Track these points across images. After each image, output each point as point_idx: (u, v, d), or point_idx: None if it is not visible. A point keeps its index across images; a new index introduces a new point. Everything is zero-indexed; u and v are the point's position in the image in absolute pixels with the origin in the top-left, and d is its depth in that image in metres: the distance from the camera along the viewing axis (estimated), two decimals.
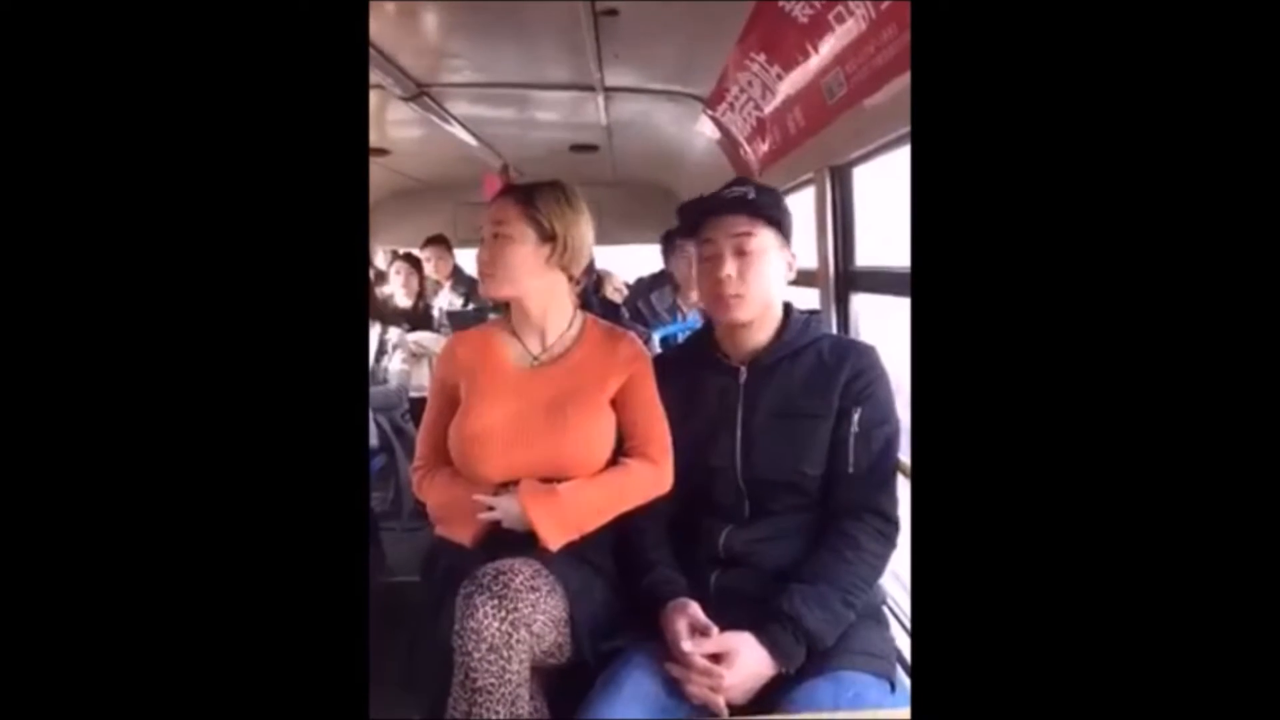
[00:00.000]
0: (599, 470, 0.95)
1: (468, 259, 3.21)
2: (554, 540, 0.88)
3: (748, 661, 0.80)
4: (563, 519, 0.89)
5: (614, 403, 0.97)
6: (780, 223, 0.95)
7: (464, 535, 0.92)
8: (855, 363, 0.93)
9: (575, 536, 0.90)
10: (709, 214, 0.95)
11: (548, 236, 0.96)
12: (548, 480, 0.92)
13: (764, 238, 0.93)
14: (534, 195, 0.97)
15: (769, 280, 0.94)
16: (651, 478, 0.95)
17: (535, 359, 1.00)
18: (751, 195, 0.93)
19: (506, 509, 0.90)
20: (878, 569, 0.90)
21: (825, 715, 0.77)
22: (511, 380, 0.98)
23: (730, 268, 0.92)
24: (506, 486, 0.92)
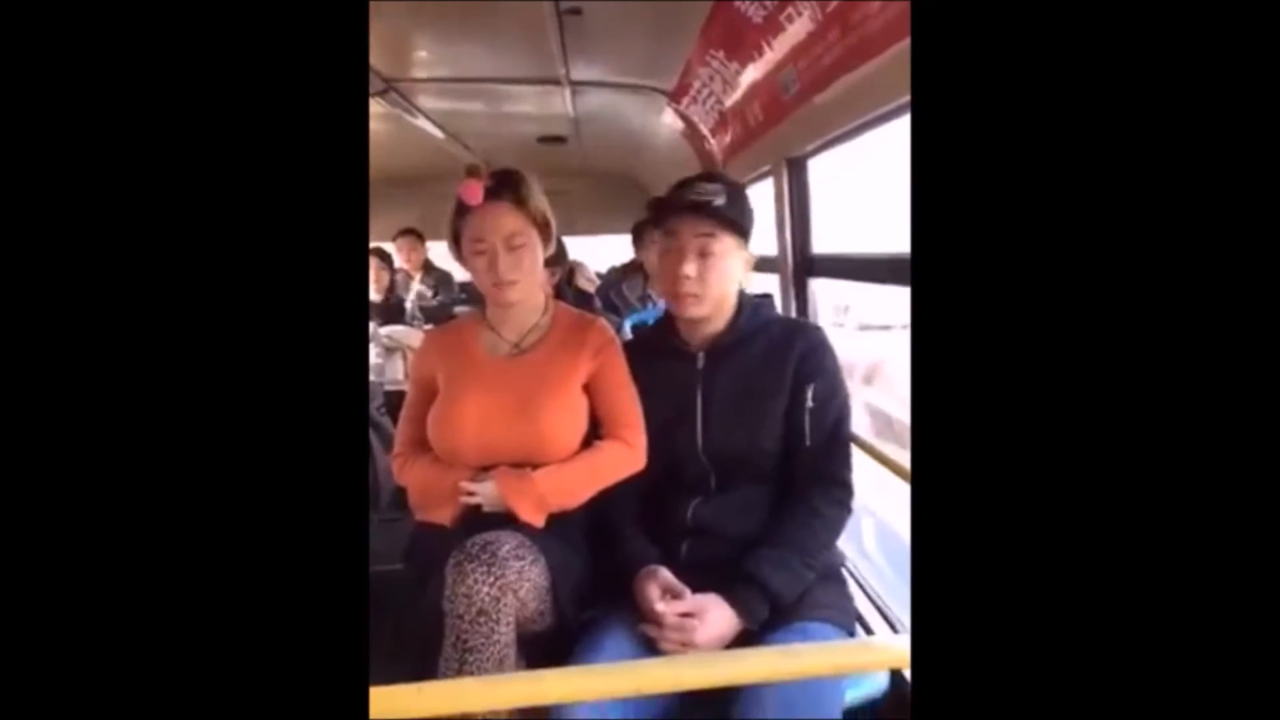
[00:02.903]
0: (572, 453, 1.00)
1: (436, 251, 3.21)
2: (534, 519, 0.94)
3: (716, 619, 0.87)
4: (540, 502, 0.95)
5: (587, 388, 1.02)
6: (743, 227, 1.00)
7: (443, 516, 0.97)
8: (804, 342, 1.00)
9: (554, 511, 0.96)
10: (675, 212, 0.99)
11: (543, 230, 1.01)
12: (523, 464, 0.97)
13: (726, 241, 0.98)
14: (521, 192, 0.98)
15: (727, 280, 1.00)
16: (625, 458, 1.00)
17: (510, 349, 1.05)
18: (719, 201, 0.97)
19: (486, 493, 0.95)
20: (835, 531, 0.98)
21: (831, 644, 0.83)
22: (486, 371, 1.02)
23: (690, 268, 0.97)
24: (484, 470, 0.97)
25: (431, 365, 1.05)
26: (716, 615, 0.87)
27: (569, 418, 1.00)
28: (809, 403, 0.97)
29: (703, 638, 0.86)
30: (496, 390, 0.99)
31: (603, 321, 1.08)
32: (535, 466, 0.97)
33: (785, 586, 0.90)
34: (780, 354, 0.99)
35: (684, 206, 0.98)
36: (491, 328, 1.06)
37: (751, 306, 1.04)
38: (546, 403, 0.98)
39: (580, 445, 1.01)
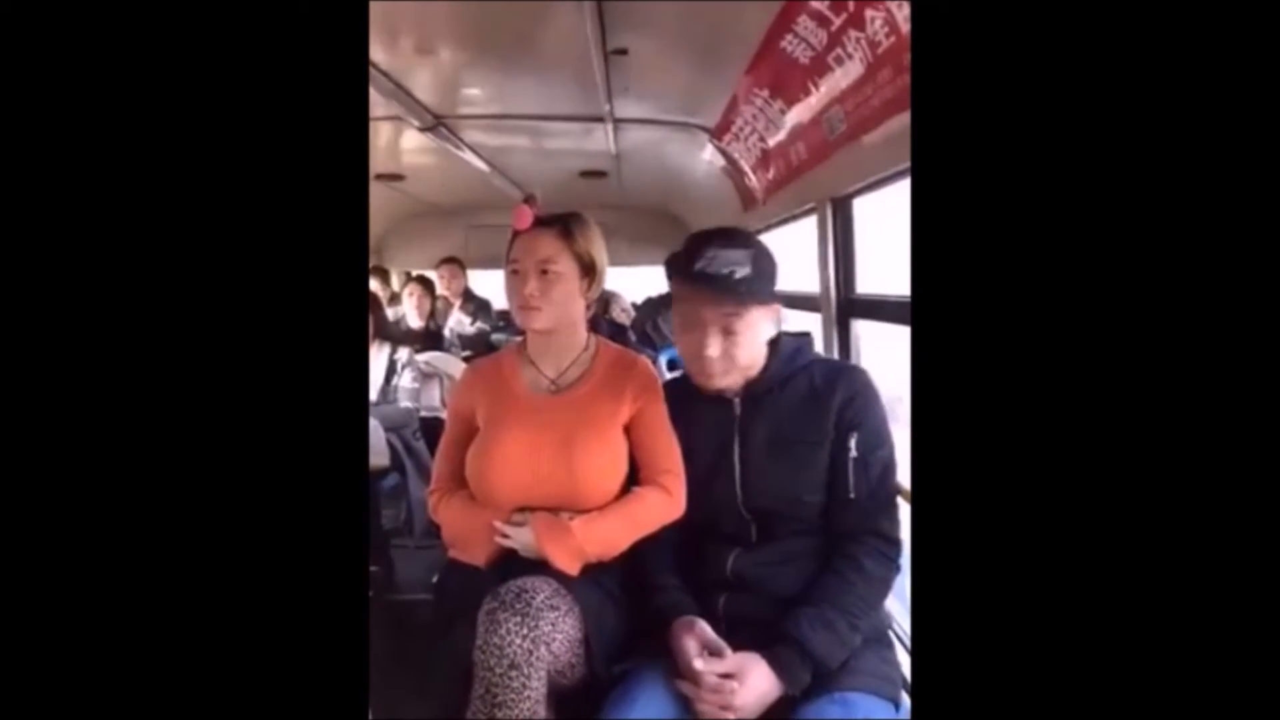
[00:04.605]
0: (611, 497, 0.97)
1: (477, 280, 3.28)
2: (570, 569, 0.91)
3: (756, 682, 0.82)
4: (577, 552, 0.92)
5: (627, 429, 1.00)
6: (770, 299, 0.93)
7: (477, 557, 0.95)
8: (847, 387, 0.94)
9: (591, 560, 0.93)
10: (695, 287, 0.91)
11: (587, 270, 1.01)
12: (561, 505, 0.94)
13: (753, 315, 0.92)
14: (571, 229, 0.99)
15: (755, 349, 0.95)
16: (664, 505, 0.97)
17: (550, 385, 1.03)
18: (743, 272, 0.89)
19: (521, 539, 0.93)
20: (882, 591, 0.92)
21: None
22: (526, 408, 1.00)
23: (714, 348, 0.92)
24: (521, 511, 0.95)
25: (471, 401, 1.04)
26: (758, 677, 0.83)
27: (609, 460, 0.97)
28: (853, 452, 0.92)
29: (742, 701, 0.81)
30: (537, 429, 0.97)
31: (645, 361, 1.05)
32: (573, 510, 0.95)
33: (828, 650, 0.85)
34: (822, 399, 0.94)
35: (705, 282, 0.90)
36: (531, 362, 1.04)
37: (791, 349, 0.98)
38: (587, 444, 0.96)
39: (619, 489, 0.98)
